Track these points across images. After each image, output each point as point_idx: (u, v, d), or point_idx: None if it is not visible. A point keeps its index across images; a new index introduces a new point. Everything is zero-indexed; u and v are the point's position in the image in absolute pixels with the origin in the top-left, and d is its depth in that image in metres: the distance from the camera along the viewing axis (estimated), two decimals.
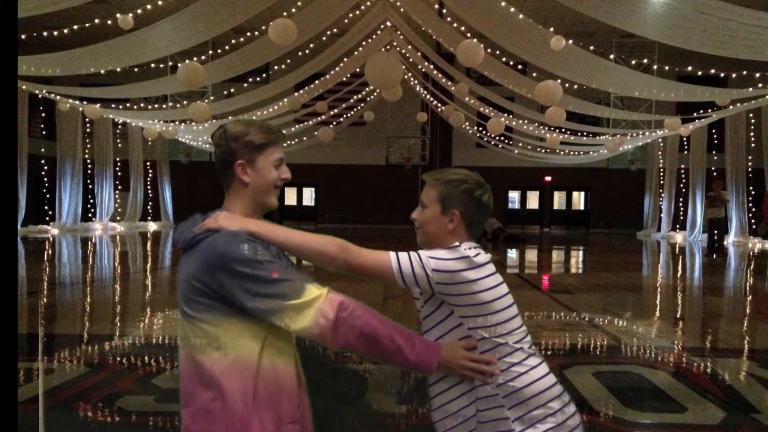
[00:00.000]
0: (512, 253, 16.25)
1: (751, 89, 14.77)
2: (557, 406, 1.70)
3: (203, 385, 1.59)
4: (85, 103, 18.80)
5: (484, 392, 1.70)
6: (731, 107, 17.01)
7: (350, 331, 1.56)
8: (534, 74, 15.92)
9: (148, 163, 24.50)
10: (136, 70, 17.24)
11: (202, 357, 1.59)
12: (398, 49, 17.45)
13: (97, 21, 12.26)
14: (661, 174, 22.59)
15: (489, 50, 13.20)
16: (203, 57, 16.62)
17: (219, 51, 16.87)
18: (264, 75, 22.11)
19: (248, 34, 14.70)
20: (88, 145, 21.58)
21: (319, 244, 1.69)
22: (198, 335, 1.60)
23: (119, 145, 23.08)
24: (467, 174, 1.83)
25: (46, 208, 20.21)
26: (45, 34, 14.01)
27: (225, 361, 1.58)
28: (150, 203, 24.82)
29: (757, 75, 14.48)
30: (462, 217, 1.79)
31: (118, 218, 23.28)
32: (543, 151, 23.61)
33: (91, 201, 21.97)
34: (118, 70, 16.08)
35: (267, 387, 1.60)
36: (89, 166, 21.51)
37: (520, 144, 23.92)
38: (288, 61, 16.44)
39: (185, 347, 1.65)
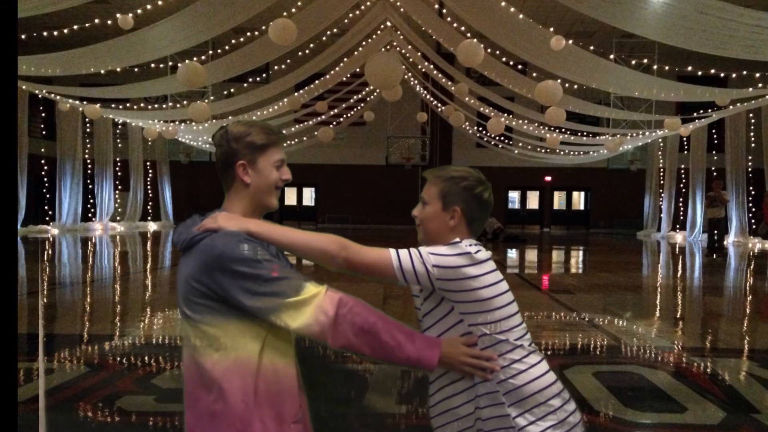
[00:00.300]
0: (512, 253, 16.24)
1: (751, 89, 14.77)
2: (558, 403, 1.70)
3: (205, 387, 1.59)
4: (85, 103, 18.80)
5: (484, 389, 1.69)
6: (731, 107, 17.00)
7: (350, 328, 1.56)
8: (534, 74, 15.92)
9: (148, 163, 24.51)
10: (136, 70, 17.25)
11: (203, 358, 1.59)
12: (398, 49, 17.45)
13: (97, 21, 12.27)
14: (661, 174, 22.59)
15: (489, 50, 13.19)
16: (203, 57, 16.63)
17: (219, 51, 16.88)
18: (264, 75, 22.12)
19: (248, 34, 14.70)
20: (88, 145, 21.59)
21: (319, 243, 1.69)
22: (199, 336, 1.60)
23: (119, 145, 23.09)
24: (468, 171, 1.83)
25: (46, 208, 20.22)
26: (45, 34, 14.01)
27: (226, 362, 1.57)
28: (150, 203, 24.83)
29: (757, 75, 14.49)
30: (463, 213, 1.79)
31: (118, 218, 23.28)
32: (543, 151, 23.61)
33: (91, 201, 21.97)
34: (118, 70, 16.09)
35: (268, 387, 1.59)
36: (89, 166, 21.51)
37: (520, 144, 23.92)
38: (288, 61, 16.44)
39: (187, 348, 1.65)
